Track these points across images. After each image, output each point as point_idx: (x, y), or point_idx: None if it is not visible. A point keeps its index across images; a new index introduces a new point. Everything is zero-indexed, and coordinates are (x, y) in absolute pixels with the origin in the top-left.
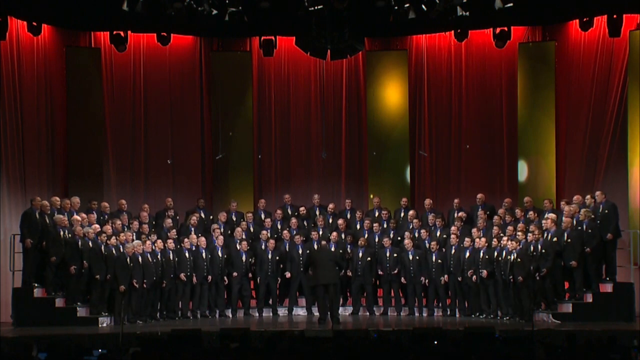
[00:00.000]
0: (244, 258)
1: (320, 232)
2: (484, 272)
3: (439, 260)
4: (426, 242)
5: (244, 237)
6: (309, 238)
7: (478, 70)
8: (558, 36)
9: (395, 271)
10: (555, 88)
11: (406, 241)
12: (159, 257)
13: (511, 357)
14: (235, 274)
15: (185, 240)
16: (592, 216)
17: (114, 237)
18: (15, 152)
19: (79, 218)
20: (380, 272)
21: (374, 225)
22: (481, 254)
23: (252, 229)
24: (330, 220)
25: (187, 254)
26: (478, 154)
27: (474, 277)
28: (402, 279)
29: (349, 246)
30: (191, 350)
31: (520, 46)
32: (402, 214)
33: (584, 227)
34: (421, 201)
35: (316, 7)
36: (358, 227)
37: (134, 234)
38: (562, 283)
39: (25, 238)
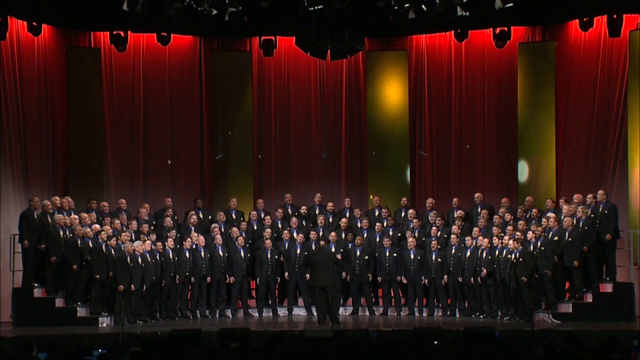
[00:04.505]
0: (242, 254)
1: (321, 233)
2: (484, 271)
3: (439, 260)
4: (432, 239)
5: (242, 235)
6: (308, 238)
7: (478, 70)
8: (558, 36)
9: (399, 278)
10: (555, 88)
11: (410, 240)
12: (158, 257)
13: (511, 357)
14: (232, 278)
15: (188, 239)
16: (591, 215)
17: (113, 237)
18: (17, 152)
19: (77, 217)
20: (379, 279)
21: (377, 225)
22: (484, 254)
23: (255, 227)
24: (331, 220)
25: (187, 254)
26: (478, 153)
27: (479, 277)
28: (402, 279)
29: (350, 245)
30: (191, 350)
31: (520, 46)
32: (403, 214)
33: (581, 225)
34: (421, 201)
35: (316, 7)
36: (359, 225)
37: (133, 233)
38: (562, 283)
39: (23, 238)
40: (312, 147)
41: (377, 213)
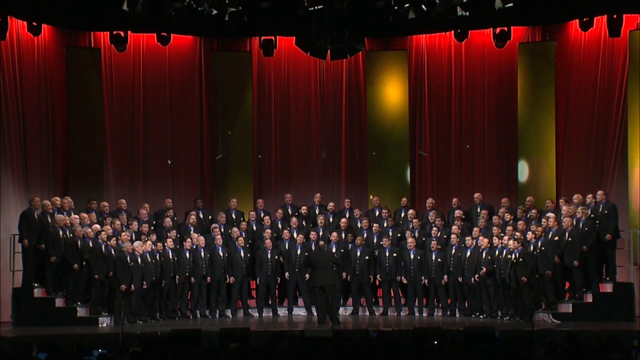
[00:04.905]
0: (242, 254)
1: (321, 233)
2: (483, 270)
3: (439, 260)
4: (432, 239)
5: (242, 235)
6: (308, 238)
7: (478, 70)
8: (558, 36)
9: (399, 278)
10: (555, 88)
11: (409, 240)
12: (158, 257)
13: (511, 357)
14: (232, 279)
15: (188, 240)
16: (591, 215)
17: (113, 237)
18: (17, 152)
19: (77, 218)
20: (378, 279)
21: (374, 225)
22: (484, 254)
23: (254, 228)
24: (331, 220)
25: (187, 254)
26: (478, 153)
27: (477, 277)
28: (403, 279)
29: (350, 245)
30: (191, 350)
31: (520, 46)
32: (403, 214)
33: (581, 225)
34: (421, 201)
35: (316, 7)
36: (359, 225)
37: (133, 233)
38: (562, 283)
39: (23, 238)
40: (312, 147)
41: (377, 213)
